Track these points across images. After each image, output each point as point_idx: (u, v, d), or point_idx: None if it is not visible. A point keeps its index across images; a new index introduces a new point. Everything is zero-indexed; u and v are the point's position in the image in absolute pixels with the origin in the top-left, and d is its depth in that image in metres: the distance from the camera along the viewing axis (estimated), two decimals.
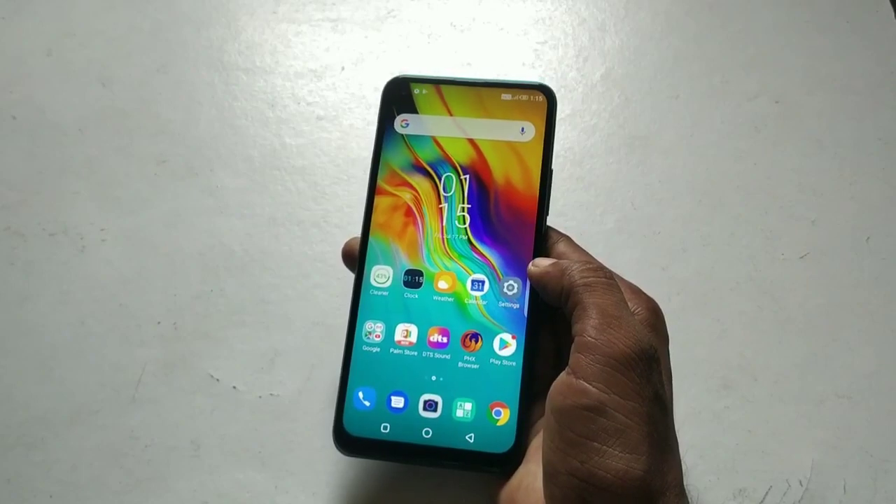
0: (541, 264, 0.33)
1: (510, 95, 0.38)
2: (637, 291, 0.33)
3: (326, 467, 0.40)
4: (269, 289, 0.46)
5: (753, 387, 0.43)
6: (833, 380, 0.44)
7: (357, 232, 0.38)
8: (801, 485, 0.40)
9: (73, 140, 0.51)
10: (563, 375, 0.29)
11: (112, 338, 0.44)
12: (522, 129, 0.37)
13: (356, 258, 0.37)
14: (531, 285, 0.34)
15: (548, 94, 0.38)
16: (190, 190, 0.49)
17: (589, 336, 0.28)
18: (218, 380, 0.43)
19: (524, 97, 0.38)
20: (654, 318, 0.31)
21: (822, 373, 0.44)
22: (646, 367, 0.28)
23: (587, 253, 0.35)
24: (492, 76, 0.55)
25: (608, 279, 0.30)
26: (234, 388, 0.43)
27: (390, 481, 0.39)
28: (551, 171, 0.37)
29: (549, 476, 0.28)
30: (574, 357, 0.28)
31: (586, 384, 0.27)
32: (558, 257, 0.34)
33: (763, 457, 0.41)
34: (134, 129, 0.51)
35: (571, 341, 0.29)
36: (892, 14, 0.57)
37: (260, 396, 0.42)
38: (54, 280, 0.46)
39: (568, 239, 0.35)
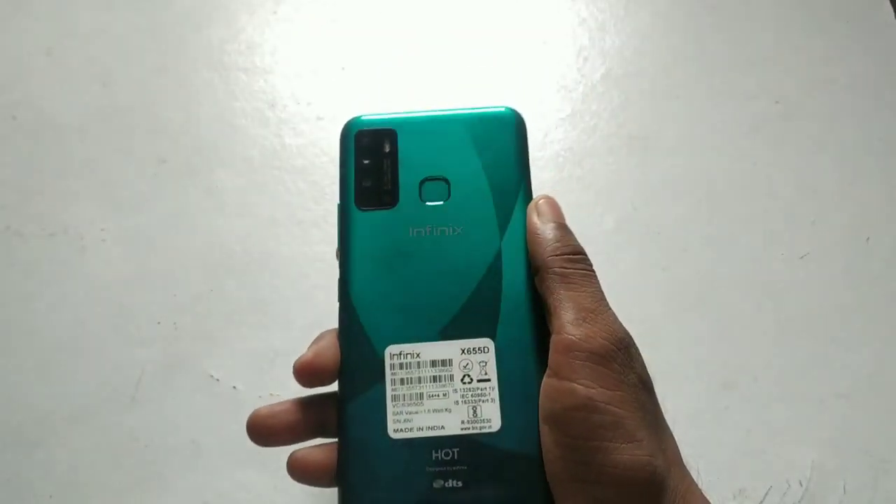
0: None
1: None
2: None
3: None
4: (269, 289, 0.46)
5: (753, 387, 0.43)
6: (833, 380, 0.44)
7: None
8: (801, 485, 0.40)
9: (73, 140, 0.51)
10: (546, 379, 0.28)
11: (112, 338, 0.44)
12: None
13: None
14: None
15: None
16: (190, 190, 0.49)
17: (567, 333, 0.28)
18: (218, 380, 0.43)
19: None
20: None
21: (822, 373, 0.44)
22: (625, 355, 0.28)
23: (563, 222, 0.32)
24: (493, 78, 0.55)
25: (586, 269, 0.30)
26: (234, 388, 0.42)
27: None
28: None
29: (558, 490, 0.27)
30: (554, 358, 0.28)
31: (572, 384, 0.27)
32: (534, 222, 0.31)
33: (763, 457, 0.41)
34: (134, 129, 0.51)
35: (549, 331, 0.29)
36: (892, 14, 0.57)
37: (260, 396, 0.42)
38: (54, 280, 0.46)
39: (550, 201, 0.32)
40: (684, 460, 0.30)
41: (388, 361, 0.29)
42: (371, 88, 0.54)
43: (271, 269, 0.46)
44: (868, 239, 0.48)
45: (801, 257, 0.48)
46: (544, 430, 0.28)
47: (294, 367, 0.29)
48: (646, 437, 0.26)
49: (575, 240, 0.31)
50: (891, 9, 0.57)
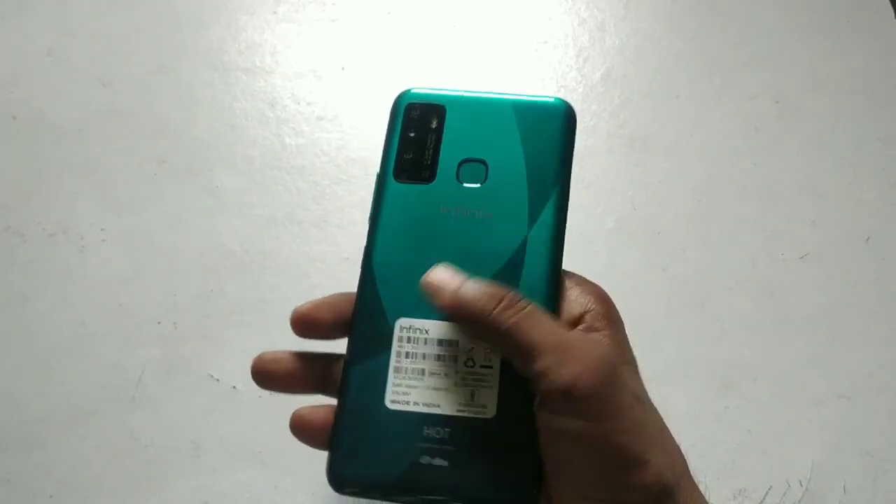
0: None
1: None
2: (581, 282, 0.30)
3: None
4: (269, 289, 0.46)
5: (753, 387, 0.43)
6: (833, 380, 0.44)
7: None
8: (801, 485, 0.40)
9: (73, 140, 0.51)
10: (541, 414, 0.27)
11: (112, 338, 0.44)
12: None
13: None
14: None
15: None
16: (190, 190, 0.49)
17: (550, 379, 0.27)
18: (218, 380, 0.43)
19: None
20: (606, 307, 0.30)
21: (822, 373, 0.44)
22: (613, 380, 0.27)
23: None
24: (494, 77, 0.55)
25: (523, 305, 0.28)
26: (234, 388, 0.42)
27: None
28: None
29: None
30: (545, 400, 0.27)
31: (568, 422, 0.27)
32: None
33: (763, 457, 0.41)
34: (134, 129, 0.51)
35: (525, 378, 0.28)
36: (892, 14, 0.57)
37: (260, 396, 0.42)
38: (54, 280, 0.46)
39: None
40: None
41: (396, 333, 0.29)
42: (371, 88, 0.54)
43: (271, 269, 0.46)
44: (868, 239, 0.48)
45: (801, 257, 0.48)
46: (548, 454, 0.27)
47: (291, 315, 0.30)
48: (652, 456, 0.26)
49: (490, 287, 0.28)
50: (891, 9, 0.57)
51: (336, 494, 0.38)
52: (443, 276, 0.28)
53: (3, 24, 0.55)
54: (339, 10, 0.57)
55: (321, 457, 0.42)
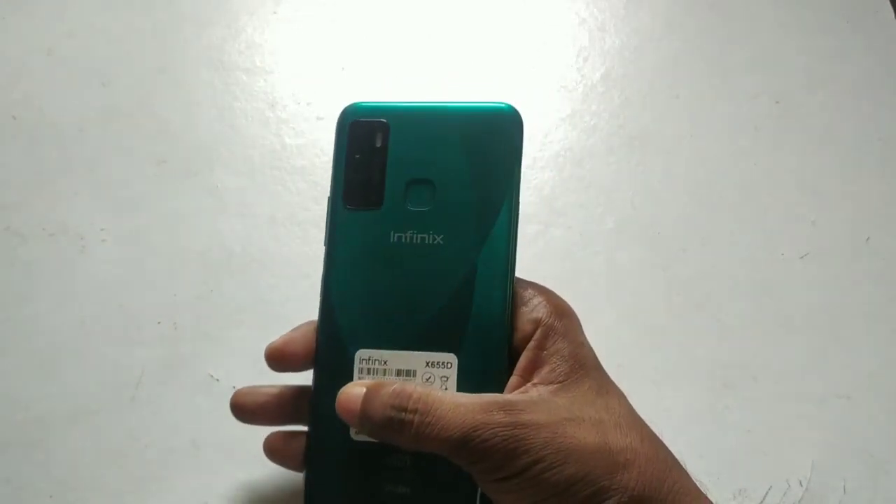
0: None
1: None
2: (536, 294, 0.30)
3: None
4: (269, 289, 0.46)
5: (753, 387, 0.43)
6: (833, 380, 0.44)
7: None
8: (801, 485, 0.40)
9: (73, 140, 0.51)
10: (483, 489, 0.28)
11: (112, 338, 0.44)
12: None
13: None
14: None
15: None
16: (190, 190, 0.49)
17: (471, 472, 0.27)
18: (218, 380, 0.43)
19: None
20: (559, 320, 0.30)
21: (822, 373, 0.44)
22: (522, 450, 0.26)
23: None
24: (493, 78, 0.55)
25: (424, 405, 0.27)
26: (234, 388, 0.42)
27: None
28: None
29: None
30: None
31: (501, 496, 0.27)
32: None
33: (763, 457, 0.41)
34: (134, 129, 0.51)
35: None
36: (892, 14, 0.57)
37: None
38: (54, 280, 0.46)
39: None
40: (683, 460, 0.30)
41: (356, 365, 0.30)
42: (371, 88, 0.54)
43: (271, 269, 0.46)
44: (868, 239, 0.48)
45: (801, 257, 0.48)
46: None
47: (265, 351, 0.31)
48: (605, 472, 0.26)
49: (389, 398, 0.27)
50: (891, 9, 0.57)
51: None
52: (346, 399, 0.28)
53: (3, 24, 0.55)
54: (339, 10, 0.57)
55: None
